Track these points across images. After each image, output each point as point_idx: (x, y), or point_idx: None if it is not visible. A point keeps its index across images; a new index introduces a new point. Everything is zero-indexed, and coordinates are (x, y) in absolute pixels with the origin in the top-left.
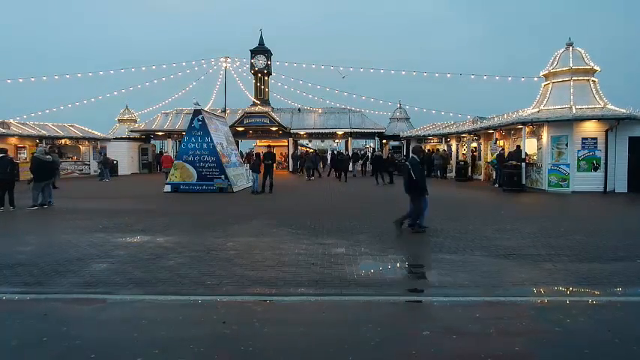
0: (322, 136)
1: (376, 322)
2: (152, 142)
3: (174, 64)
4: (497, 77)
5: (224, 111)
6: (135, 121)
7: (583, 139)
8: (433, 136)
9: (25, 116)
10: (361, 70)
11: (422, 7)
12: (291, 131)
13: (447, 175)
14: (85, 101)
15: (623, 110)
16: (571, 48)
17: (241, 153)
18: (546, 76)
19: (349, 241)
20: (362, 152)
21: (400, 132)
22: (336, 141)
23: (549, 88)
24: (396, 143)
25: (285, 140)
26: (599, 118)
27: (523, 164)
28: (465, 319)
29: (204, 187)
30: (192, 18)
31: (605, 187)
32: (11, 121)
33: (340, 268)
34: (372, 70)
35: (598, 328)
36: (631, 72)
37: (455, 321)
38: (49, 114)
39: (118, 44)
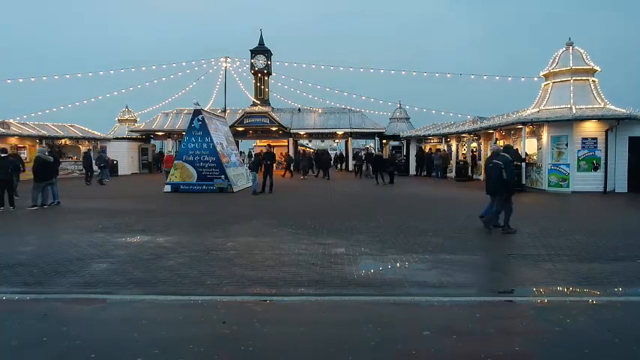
0: (322, 136)
1: (376, 322)
2: (152, 142)
3: (175, 64)
4: (497, 77)
5: (224, 111)
6: (135, 121)
7: (583, 139)
8: (433, 136)
9: (25, 116)
10: (361, 70)
11: (422, 7)
12: (291, 131)
13: (447, 175)
14: (85, 101)
15: (623, 110)
16: (571, 48)
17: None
18: (546, 76)
19: (349, 241)
20: (362, 152)
21: (400, 132)
22: (336, 141)
23: (549, 88)
24: (396, 143)
25: (285, 140)
26: (599, 118)
27: (523, 164)
28: (465, 319)
29: (204, 187)
30: (192, 18)
31: (605, 187)
32: (11, 121)
33: (340, 268)
34: (372, 70)
35: (598, 328)
36: (631, 72)
37: (455, 321)
38: (49, 114)
39: (118, 44)
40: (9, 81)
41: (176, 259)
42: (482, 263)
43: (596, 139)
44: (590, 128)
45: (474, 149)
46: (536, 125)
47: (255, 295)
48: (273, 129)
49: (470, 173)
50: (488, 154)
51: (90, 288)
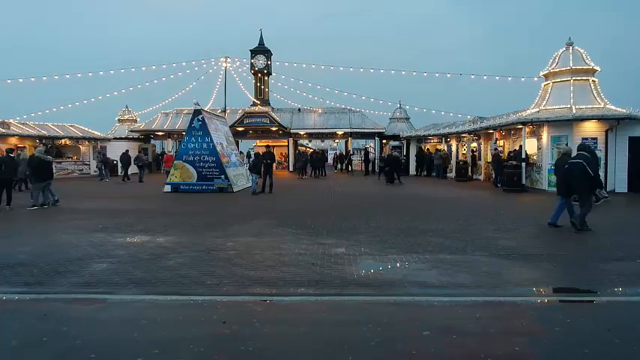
0: (322, 136)
1: (376, 322)
2: (152, 142)
3: (174, 64)
4: (497, 77)
5: (224, 111)
6: (135, 121)
7: (583, 139)
8: (433, 136)
9: (25, 116)
10: (361, 70)
11: (422, 8)
12: (291, 131)
13: (447, 175)
14: (85, 101)
15: (623, 110)
16: (571, 48)
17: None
18: (546, 76)
19: (349, 241)
20: (363, 152)
21: (400, 132)
22: (336, 141)
23: (549, 88)
24: (396, 143)
25: (285, 140)
26: (599, 118)
27: (523, 164)
28: (465, 319)
29: (204, 187)
30: (192, 18)
31: (606, 187)
32: (11, 121)
33: (340, 268)
34: (372, 70)
35: (598, 328)
36: (631, 72)
37: (455, 321)
38: (49, 114)
39: (118, 44)
40: (9, 81)
41: (176, 259)
42: (483, 263)
43: (596, 139)
44: (590, 128)
45: (474, 149)
46: (536, 125)
47: (255, 295)
48: (273, 129)
49: (470, 173)
50: (489, 154)
51: (90, 288)
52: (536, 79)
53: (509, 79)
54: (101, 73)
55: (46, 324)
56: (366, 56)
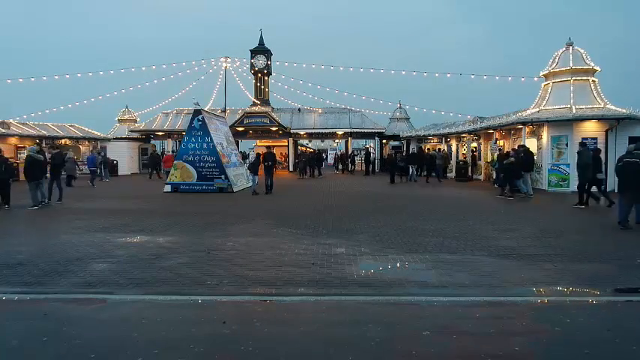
0: (322, 136)
1: (376, 322)
2: (152, 142)
3: (175, 64)
4: (497, 77)
5: (224, 111)
6: (135, 121)
7: (583, 139)
8: (433, 136)
9: (25, 116)
10: (361, 70)
11: (422, 7)
12: (291, 131)
13: (447, 175)
14: (85, 101)
15: (623, 110)
16: (571, 48)
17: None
18: (546, 76)
19: (349, 241)
20: (363, 152)
21: (400, 132)
22: (336, 141)
23: (549, 88)
24: (396, 143)
25: (285, 140)
26: (599, 118)
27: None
28: (465, 319)
29: (204, 187)
30: (192, 18)
31: (606, 187)
32: (11, 121)
33: (340, 268)
34: (372, 70)
35: (598, 328)
36: (631, 72)
37: (455, 321)
38: (49, 114)
39: (118, 44)
40: (9, 81)
41: (176, 259)
42: (483, 263)
43: (596, 139)
44: (590, 128)
45: (474, 149)
46: (536, 125)
47: (255, 295)
48: (273, 129)
49: (470, 173)
50: (489, 154)
51: (90, 288)
52: (536, 79)
53: (509, 79)
54: (101, 73)
55: (46, 324)
56: (366, 56)
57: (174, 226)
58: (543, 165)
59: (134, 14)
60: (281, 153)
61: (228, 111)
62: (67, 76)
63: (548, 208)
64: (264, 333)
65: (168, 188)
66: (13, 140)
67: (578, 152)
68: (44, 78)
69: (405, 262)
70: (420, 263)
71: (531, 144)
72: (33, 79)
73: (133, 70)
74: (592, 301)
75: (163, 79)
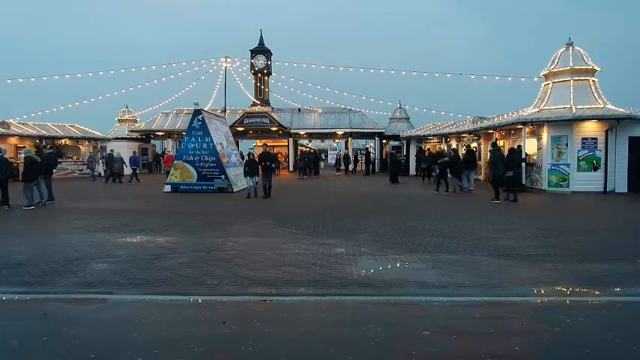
0: (322, 136)
1: (376, 322)
2: (152, 142)
3: (174, 64)
4: (497, 77)
5: (224, 111)
6: (135, 121)
7: (583, 139)
8: (433, 136)
9: (25, 116)
10: (361, 70)
11: (422, 7)
12: (291, 131)
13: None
14: (85, 101)
15: (623, 110)
16: (571, 48)
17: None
18: (546, 76)
19: (349, 241)
20: (364, 152)
21: (400, 132)
22: (336, 141)
23: (549, 88)
24: (396, 143)
25: (285, 140)
26: (599, 118)
27: (523, 164)
28: (465, 319)
29: (204, 187)
30: (192, 18)
31: (605, 187)
32: (11, 121)
33: (340, 268)
34: (372, 70)
35: (598, 328)
36: (631, 72)
37: (455, 321)
38: (49, 114)
39: (118, 44)
40: (9, 81)
41: (176, 259)
42: (483, 263)
43: (596, 139)
44: (590, 128)
45: (474, 149)
46: (536, 125)
47: (255, 295)
48: (273, 129)
49: None
50: (489, 154)
51: (90, 288)
52: (536, 79)
53: (509, 79)
54: (101, 73)
55: (46, 324)
56: (366, 56)
57: (174, 226)
58: (543, 165)
59: (134, 14)
60: (281, 153)
61: (228, 111)
62: (67, 76)
63: (548, 207)
64: (264, 333)
65: (168, 188)
66: (13, 140)
67: (489, 151)
68: (44, 78)
69: (405, 262)
70: (419, 263)
71: (531, 144)
72: (33, 79)
73: (133, 70)
74: (592, 301)
75: (163, 79)
